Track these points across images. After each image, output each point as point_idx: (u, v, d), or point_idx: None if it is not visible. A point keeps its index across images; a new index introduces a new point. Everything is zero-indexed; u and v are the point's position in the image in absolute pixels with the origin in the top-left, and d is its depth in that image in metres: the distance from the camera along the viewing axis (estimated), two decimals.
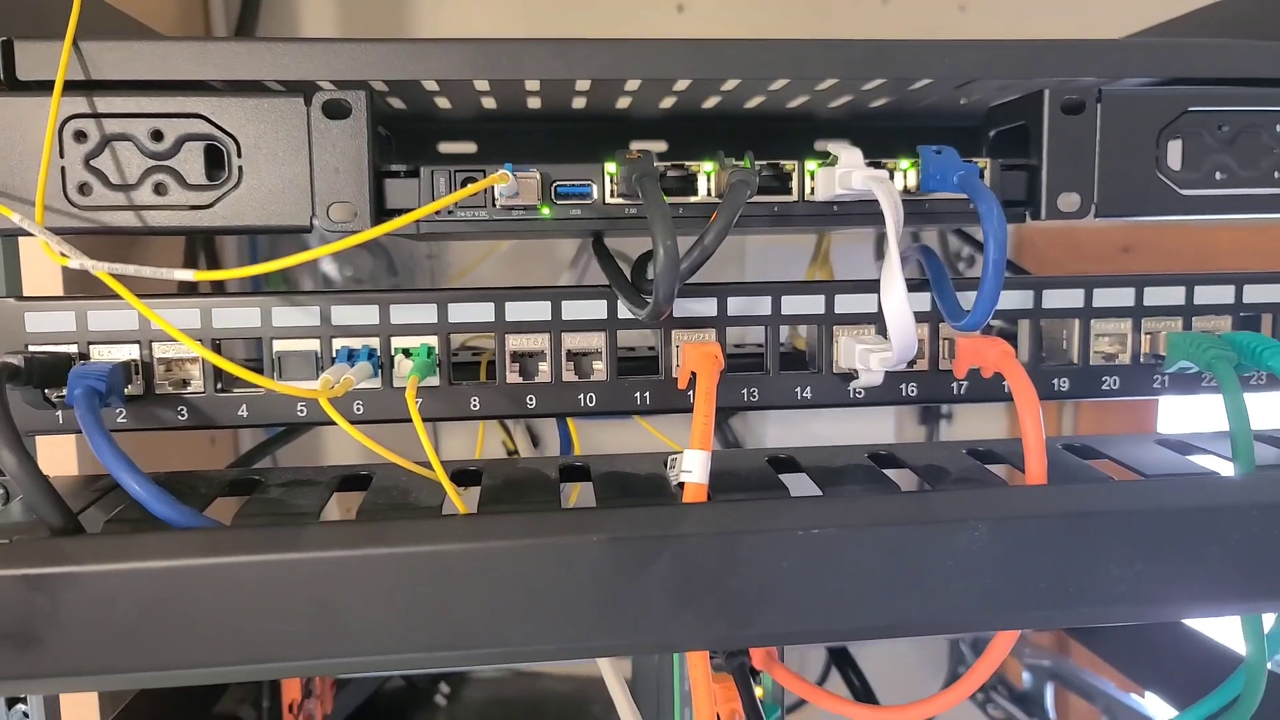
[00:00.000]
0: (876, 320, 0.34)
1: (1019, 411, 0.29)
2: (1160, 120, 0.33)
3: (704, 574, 0.26)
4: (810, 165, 0.32)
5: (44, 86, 0.29)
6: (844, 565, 0.27)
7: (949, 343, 0.35)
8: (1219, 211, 0.34)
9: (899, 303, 0.28)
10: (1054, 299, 0.35)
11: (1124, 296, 0.35)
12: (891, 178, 0.32)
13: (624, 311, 0.33)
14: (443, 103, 0.38)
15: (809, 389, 0.35)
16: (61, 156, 0.30)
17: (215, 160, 0.31)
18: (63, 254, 0.28)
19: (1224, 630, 0.50)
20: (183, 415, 0.33)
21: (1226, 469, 0.30)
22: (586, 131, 0.45)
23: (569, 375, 0.34)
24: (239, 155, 0.31)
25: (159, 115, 0.30)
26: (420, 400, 0.32)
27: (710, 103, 0.39)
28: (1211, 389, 0.36)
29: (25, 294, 0.33)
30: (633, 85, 0.35)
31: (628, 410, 0.34)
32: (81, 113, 0.30)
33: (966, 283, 0.33)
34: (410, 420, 0.30)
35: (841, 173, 0.31)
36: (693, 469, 0.28)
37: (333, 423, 0.31)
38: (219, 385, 0.33)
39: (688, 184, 0.32)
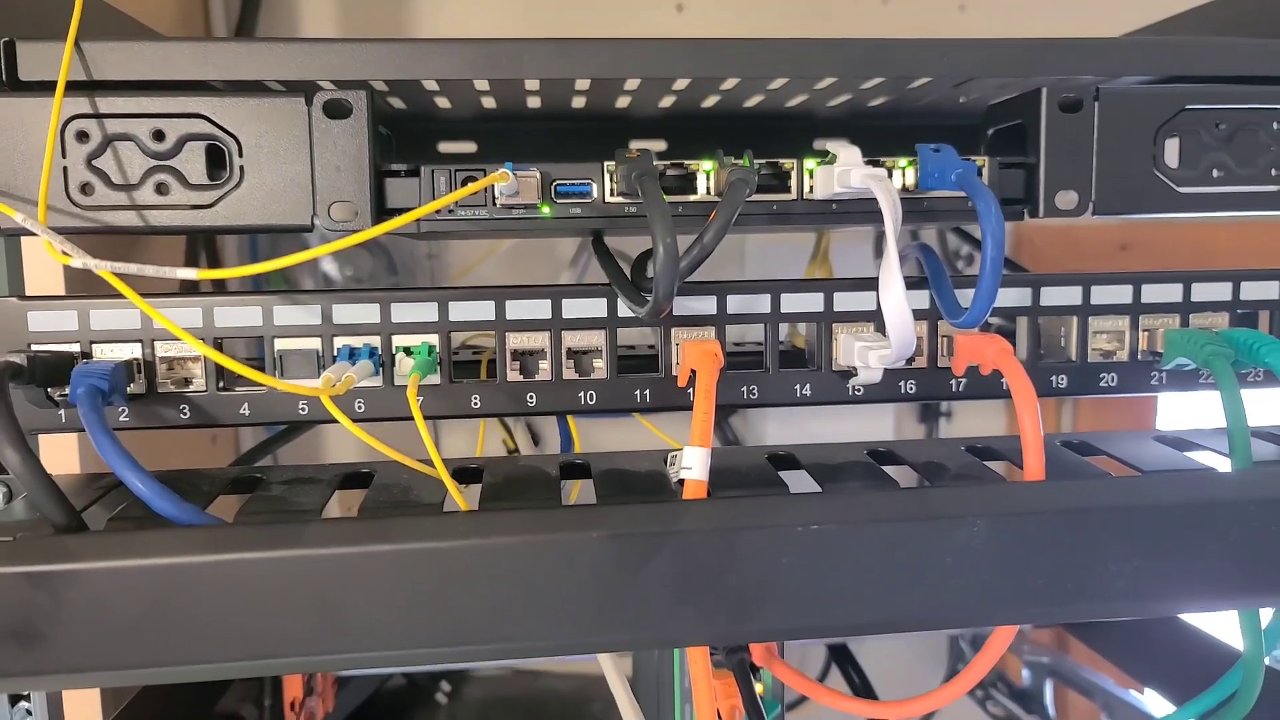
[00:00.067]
0: (875, 318, 0.35)
1: (1017, 408, 0.29)
2: (1157, 118, 0.33)
3: (704, 570, 0.26)
4: (809, 164, 0.33)
5: (46, 87, 0.29)
6: (843, 561, 0.27)
7: (947, 340, 0.35)
8: (1216, 209, 0.34)
9: (897, 300, 0.29)
10: (1052, 296, 0.35)
11: (1121, 294, 0.36)
12: (890, 176, 0.32)
13: (624, 310, 0.34)
14: (443, 102, 0.38)
15: (808, 386, 0.35)
16: (64, 156, 0.30)
17: (217, 160, 0.31)
18: (65, 253, 0.28)
19: (1222, 627, 0.50)
20: (185, 414, 0.33)
21: (1224, 465, 0.30)
22: (586, 131, 0.45)
23: (569, 373, 0.34)
24: (240, 155, 0.31)
25: (160, 115, 0.30)
26: (421, 398, 0.33)
27: (709, 102, 0.39)
28: (1209, 385, 0.36)
29: (28, 293, 0.33)
30: (632, 85, 0.35)
31: (628, 408, 0.34)
32: (83, 113, 0.30)
33: (965, 280, 0.34)
34: (411, 418, 0.31)
35: (840, 171, 0.31)
36: (693, 466, 0.28)
37: (334, 421, 0.31)
38: (221, 384, 0.33)
39: (687, 183, 0.33)
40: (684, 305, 0.34)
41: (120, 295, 0.28)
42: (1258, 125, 0.34)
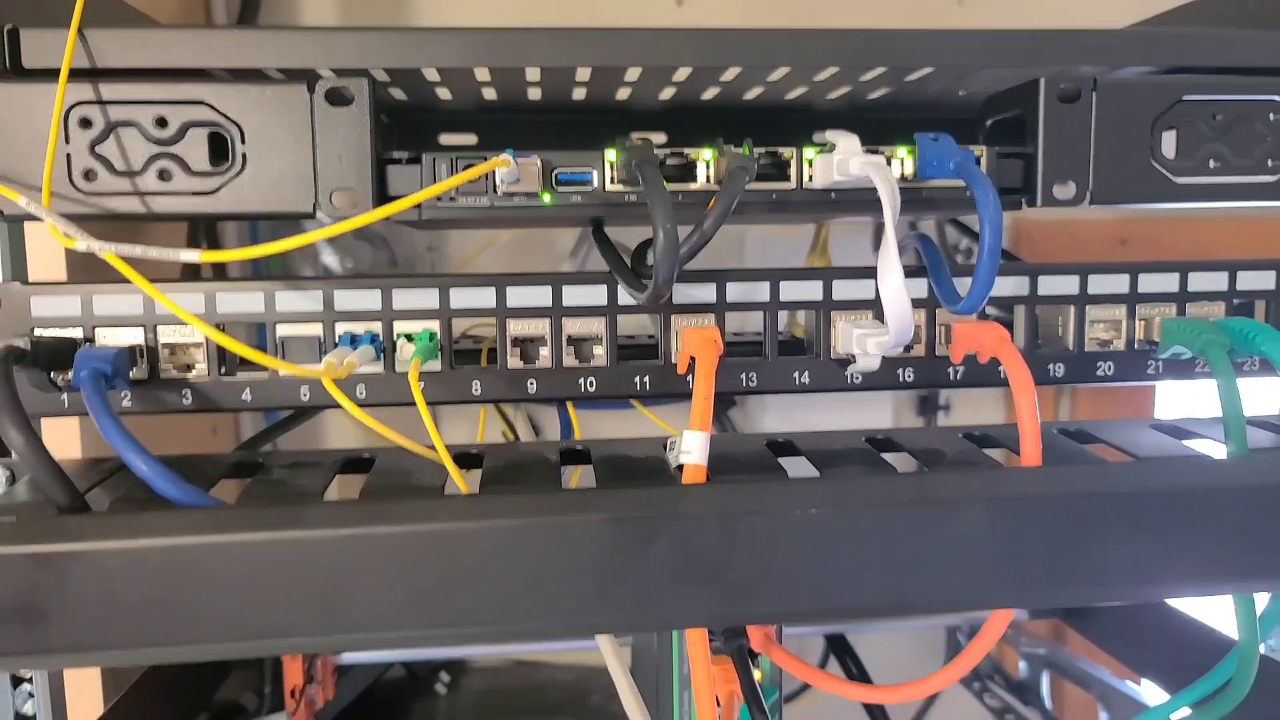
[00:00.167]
0: (874, 306, 0.35)
1: (1014, 394, 0.29)
2: (1155, 109, 0.34)
3: (703, 553, 0.26)
4: (808, 152, 0.33)
5: (49, 74, 0.30)
6: (841, 545, 0.27)
7: (945, 328, 0.35)
8: (1213, 199, 0.34)
9: (896, 286, 0.29)
10: (1049, 285, 0.36)
11: (1119, 283, 0.36)
12: (889, 165, 0.32)
13: (624, 297, 0.34)
14: (444, 93, 0.38)
15: (806, 374, 0.35)
16: (67, 143, 0.30)
17: (219, 147, 0.31)
18: (68, 235, 0.28)
19: (1219, 616, 0.51)
20: (187, 399, 0.33)
21: (1221, 453, 0.30)
22: (586, 124, 0.45)
23: (570, 360, 0.34)
24: (243, 142, 0.31)
25: (163, 102, 0.31)
26: (422, 384, 0.33)
27: (709, 94, 0.40)
28: (1205, 374, 0.36)
29: (30, 280, 0.34)
30: (633, 75, 0.35)
31: (628, 394, 0.34)
32: (86, 99, 0.30)
33: (964, 270, 0.34)
34: (412, 404, 0.31)
35: (839, 159, 0.31)
36: (692, 450, 0.29)
37: (336, 406, 0.31)
38: (223, 369, 0.33)
39: (687, 171, 0.33)
40: (684, 293, 0.34)
41: (123, 281, 0.29)
42: (1254, 116, 0.34)
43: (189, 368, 0.33)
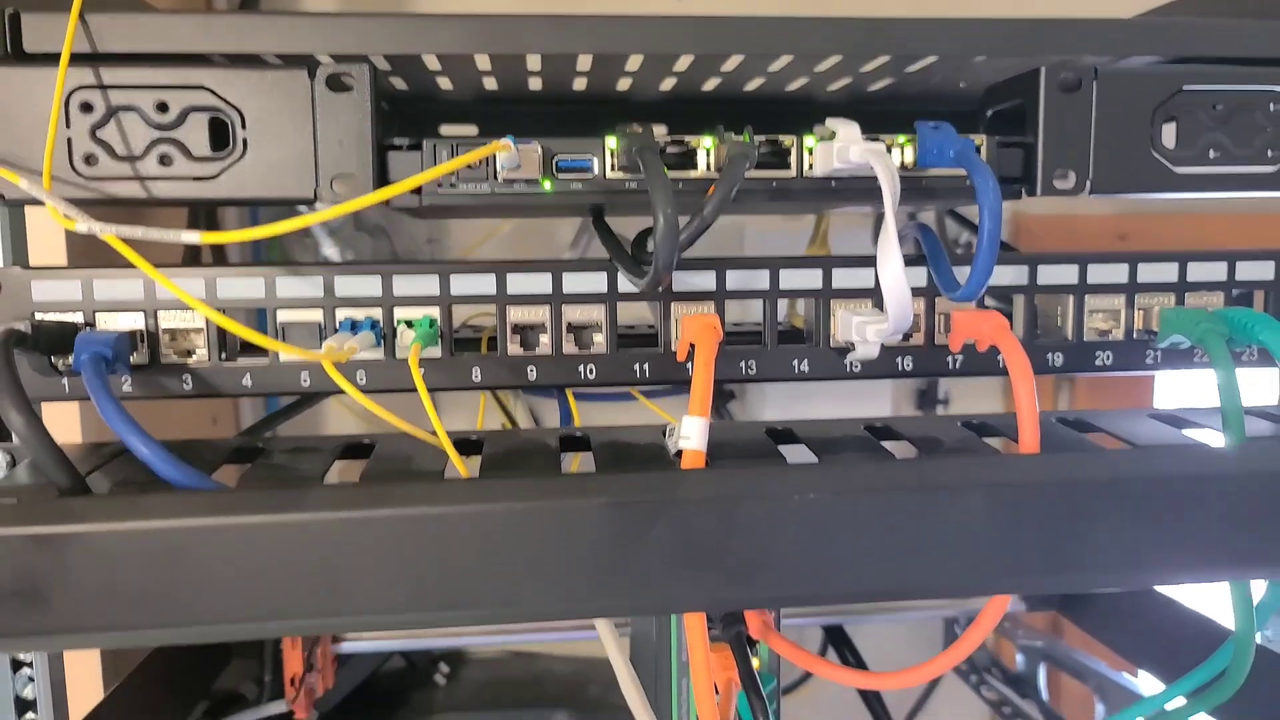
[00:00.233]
0: (873, 295, 0.35)
1: (1013, 381, 0.29)
2: (1155, 99, 0.34)
3: (702, 537, 0.27)
4: (808, 141, 0.33)
5: (50, 58, 0.30)
6: (839, 530, 0.27)
7: (945, 317, 0.35)
8: (1213, 189, 0.34)
9: (895, 273, 0.29)
10: (1049, 275, 0.36)
11: (1118, 273, 0.36)
12: (889, 153, 0.32)
13: (624, 285, 0.34)
14: (444, 83, 0.38)
15: (806, 362, 0.35)
16: (68, 127, 0.30)
17: (220, 132, 0.31)
18: (69, 217, 0.28)
19: (1216, 607, 0.51)
20: (187, 384, 0.33)
21: (1219, 442, 0.30)
22: (587, 115, 0.45)
23: (569, 347, 0.34)
24: (243, 127, 0.31)
25: (164, 87, 0.31)
26: (422, 370, 0.33)
27: (710, 85, 0.39)
28: (1203, 364, 0.36)
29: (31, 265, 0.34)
30: (634, 64, 0.35)
31: (627, 381, 0.34)
32: (87, 84, 0.30)
33: (963, 259, 0.34)
34: (412, 390, 0.31)
35: (840, 147, 0.31)
36: (691, 435, 0.29)
37: (336, 392, 0.31)
38: (224, 354, 0.33)
39: (687, 159, 0.33)
40: (684, 280, 0.34)
41: (123, 265, 0.29)
42: (1254, 106, 0.34)
43: (189, 353, 0.33)
